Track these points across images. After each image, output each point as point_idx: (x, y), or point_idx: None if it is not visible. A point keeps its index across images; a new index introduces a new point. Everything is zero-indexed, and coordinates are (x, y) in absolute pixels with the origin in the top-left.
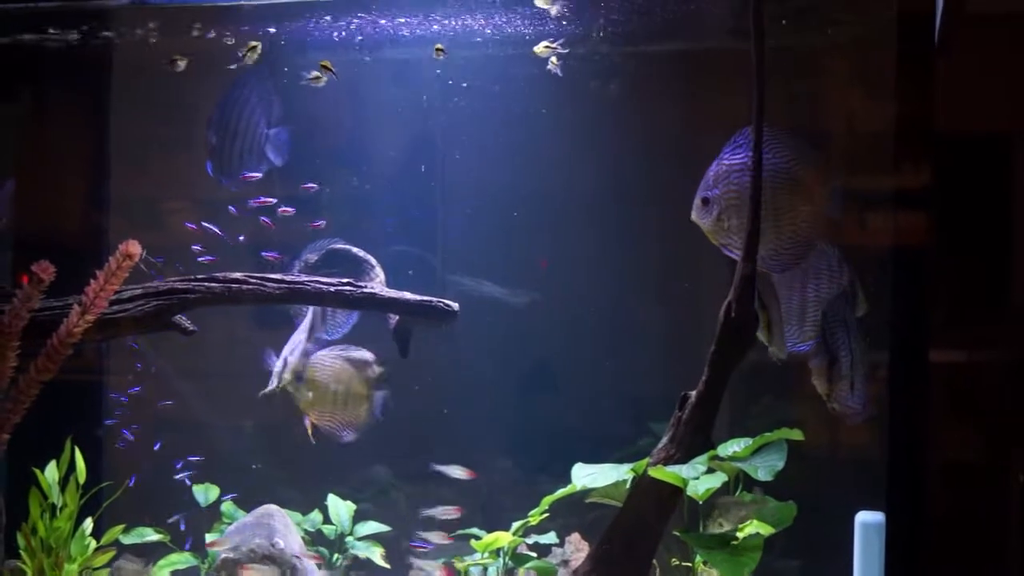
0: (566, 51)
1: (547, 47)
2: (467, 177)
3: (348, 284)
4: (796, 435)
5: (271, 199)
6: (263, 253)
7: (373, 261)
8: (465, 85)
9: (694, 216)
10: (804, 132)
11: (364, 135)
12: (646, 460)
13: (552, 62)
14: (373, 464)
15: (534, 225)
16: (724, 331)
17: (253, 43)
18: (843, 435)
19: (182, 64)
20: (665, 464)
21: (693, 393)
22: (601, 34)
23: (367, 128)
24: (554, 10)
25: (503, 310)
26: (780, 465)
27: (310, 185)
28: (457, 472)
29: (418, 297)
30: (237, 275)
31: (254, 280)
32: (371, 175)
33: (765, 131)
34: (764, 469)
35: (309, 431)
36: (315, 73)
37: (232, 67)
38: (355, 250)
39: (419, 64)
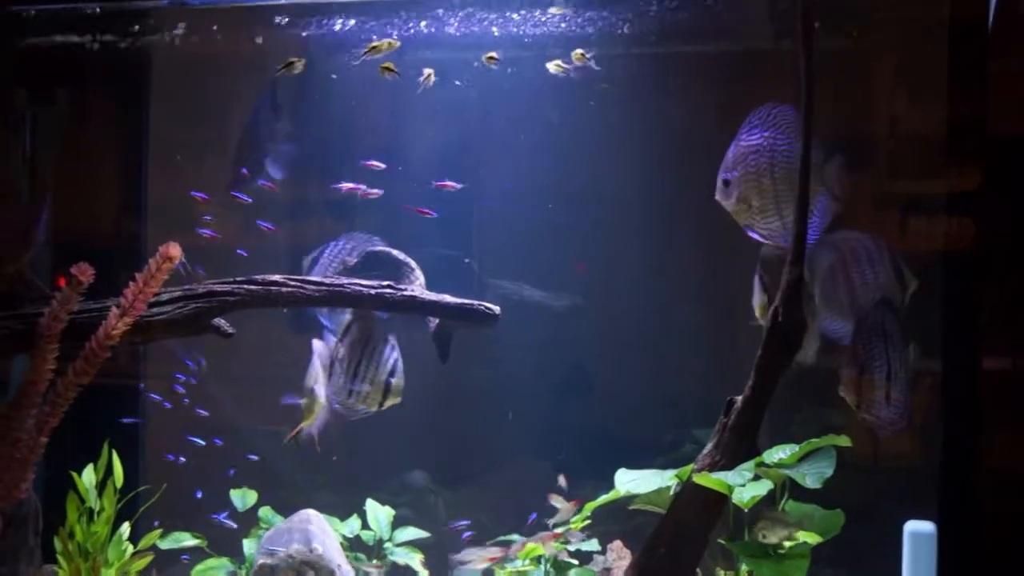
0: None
1: (581, 56)
2: (507, 178)
3: (388, 287)
4: (843, 441)
5: (359, 185)
6: (258, 223)
7: (413, 264)
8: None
9: (718, 197)
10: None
11: (401, 135)
12: (690, 466)
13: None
14: (411, 469)
15: (575, 226)
16: (771, 336)
17: (292, 60)
18: (892, 441)
19: (299, 66)
20: (710, 470)
21: (739, 399)
22: (640, 32)
23: (404, 128)
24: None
25: (544, 313)
26: (829, 472)
27: (373, 163)
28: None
29: (459, 300)
30: (276, 277)
31: (293, 282)
32: (409, 175)
33: (778, 112)
34: (812, 476)
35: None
36: (427, 71)
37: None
38: (395, 252)
39: (457, 64)
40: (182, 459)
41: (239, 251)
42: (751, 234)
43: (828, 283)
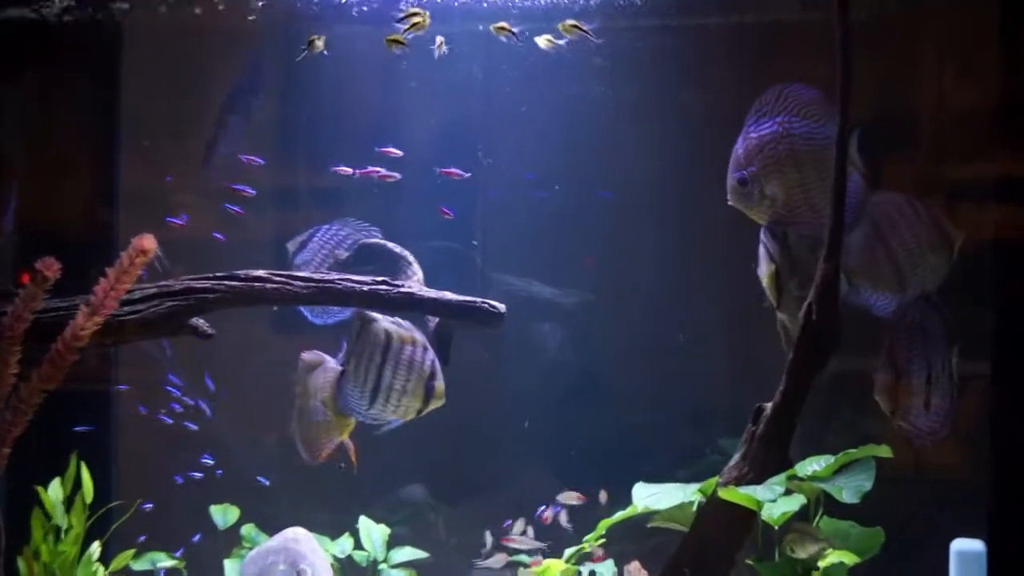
0: (592, 32)
1: (573, 26)
2: (513, 166)
3: (383, 283)
4: (884, 452)
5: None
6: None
7: (410, 257)
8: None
9: (732, 201)
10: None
11: (400, 118)
12: (715, 479)
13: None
14: (409, 483)
15: (589, 216)
16: (804, 336)
17: (313, 37)
18: (937, 452)
19: (320, 44)
20: (737, 484)
21: (769, 405)
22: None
23: (403, 111)
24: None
25: (554, 312)
26: (868, 486)
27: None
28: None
29: (460, 297)
30: (260, 272)
31: (279, 278)
32: (408, 162)
33: (788, 93)
34: (850, 490)
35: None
36: (439, 39)
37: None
38: (390, 245)
39: (462, 42)
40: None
41: (215, 234)
42: (763, 237)
43: (866, 254)
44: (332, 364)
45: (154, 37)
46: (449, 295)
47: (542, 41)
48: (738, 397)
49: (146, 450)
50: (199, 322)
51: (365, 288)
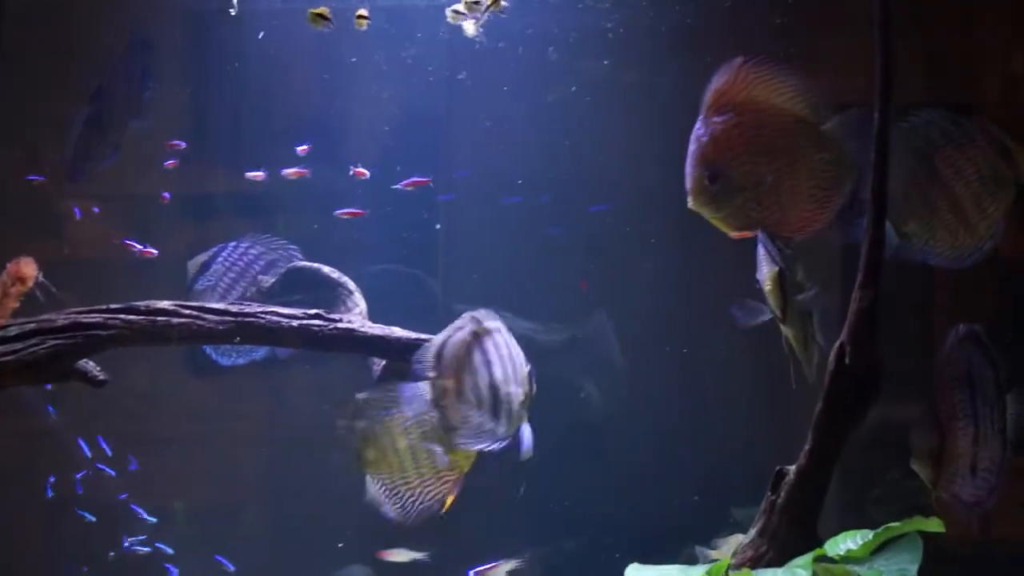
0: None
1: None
2: (481, 169)
3: (317, 316)
4: (934, 526)
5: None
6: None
7: (351, 285)
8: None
9: (695, 204)
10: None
11: (336, 111)
12: (726, 561)
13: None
14: (348, 563)
15: (572, 235)
16: (835, 383)
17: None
18: (1001, 525)
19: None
20: (753, 566)
21: (792, 468)
22: None
23: (340, 102)
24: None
25: (533, 351)
26: (913, 570)
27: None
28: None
29: (413, 335)
30: (165, 304)
31: (188, 311)
32: (346, 164)
33: (754, 69)
34: (891, 575)
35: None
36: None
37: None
38: (325, 269)
39: (421, 19)
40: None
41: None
42: (761, 238)
43: (916, 196)
44: (415, 391)
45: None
46: (399, 331)
47: (449, 13)
48: (756, 458)
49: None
50: (89, 365)
51: (295, 323)
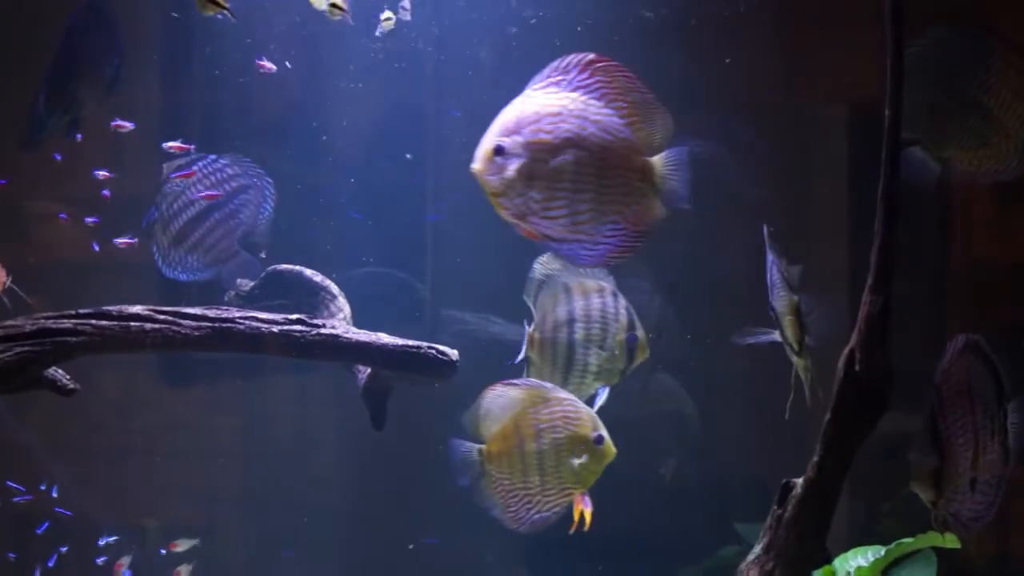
0: None
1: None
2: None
3: (298, 322)
4: (950, 542)
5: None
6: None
7: (335, 289)
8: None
9: (477, 169)
10: None
11: (322, 105)
12: None
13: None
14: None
15: None
16: (844, 392)
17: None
18: (1018, 541)
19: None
20: None
21: (799, 481)
22: None
23: (327, 96)
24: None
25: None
26: None
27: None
28: None
29: (400, 341)
30: (138, 309)
31: (162, 317)
32: (331, 160)
33: (601, 67)
34: None
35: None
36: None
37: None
38: (308, 273)
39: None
40: None
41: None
42: (521, 228)
43: (955, 117)
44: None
45: None
46: (385, 338)
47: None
48: (761, 470)
49: None
50: (58, 374)
51: (275, 329)
